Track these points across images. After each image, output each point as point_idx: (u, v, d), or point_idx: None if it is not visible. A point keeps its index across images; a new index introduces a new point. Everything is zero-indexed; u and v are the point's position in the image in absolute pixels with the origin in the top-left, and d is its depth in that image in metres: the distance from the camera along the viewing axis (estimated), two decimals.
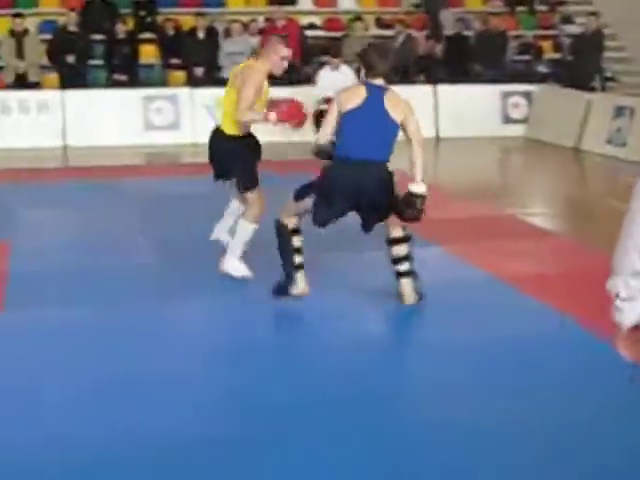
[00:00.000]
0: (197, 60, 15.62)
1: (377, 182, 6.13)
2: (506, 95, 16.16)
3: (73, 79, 15.35)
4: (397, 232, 6.47)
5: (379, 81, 6.20)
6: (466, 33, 17.55)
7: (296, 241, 6.36)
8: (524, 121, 16.09)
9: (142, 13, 17.47)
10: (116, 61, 15.77)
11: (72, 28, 15.68)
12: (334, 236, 7.26)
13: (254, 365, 5.28)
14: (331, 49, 15.17)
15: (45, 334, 5.79)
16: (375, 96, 6.10)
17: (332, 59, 13.85)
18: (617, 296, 2.79)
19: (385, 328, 5.94)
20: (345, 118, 6.06)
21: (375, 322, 6.08)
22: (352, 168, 6.04)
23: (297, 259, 6.36)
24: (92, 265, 7.40)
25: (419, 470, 4.05)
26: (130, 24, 16.79)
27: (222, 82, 14.84)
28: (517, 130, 15.98)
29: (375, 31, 17.90)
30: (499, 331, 5.86)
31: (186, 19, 17.08)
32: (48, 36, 16.09)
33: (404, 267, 6.40)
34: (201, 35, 15.96)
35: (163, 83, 16.10)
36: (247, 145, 6.88)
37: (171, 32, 16.48)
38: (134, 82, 15.65)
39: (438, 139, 15.77)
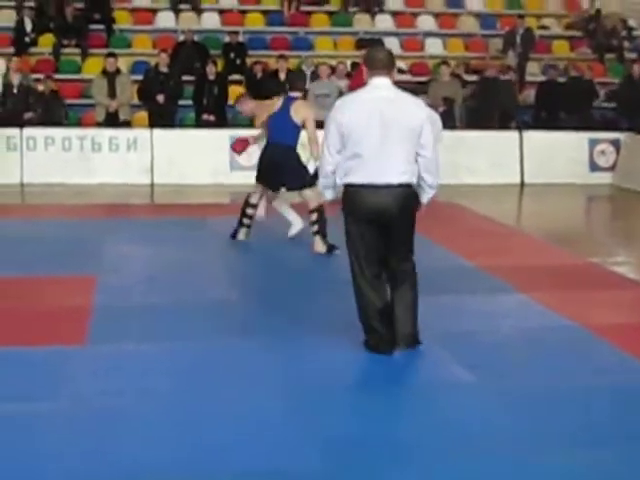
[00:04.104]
0: None
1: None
2: (594, 142, 15.98)
3: (162, 118, 15.64)
4: (313, 204, 9.26)
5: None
6: (555, 80, 17.44)
7: (249, 210, 9.70)
8: (611, 169, 15.89)
9: (232, 55, 17.77)
10: (205, 102, 16.02)
11: (163, 69, 15.99)
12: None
13: (335, 404, 5.25)
14: (419, 91, 15.16)
15: (126, 369, 5.84)
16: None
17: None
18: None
19: (465, 375, 5.85)
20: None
21: (451, 367, 6.00)
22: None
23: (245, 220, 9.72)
24: (175, 301, 7.47)
25: None
26: (220, 66, 17.07)
27: None
28: (604, 178, 15.80)
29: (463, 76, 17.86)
30: (583, 380, 5.75)
31: (274, 61, 17.32)
32: (139, 76, 16.45)
33: (314, 228, 9.31)
34: (283, 77, 16.10)
35: (251, 124, 16.30)
36: None
37: (259, 74, 16.70)
38: (222, 122, 15.87)
39: (523, 185, 15.64)
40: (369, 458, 4.56)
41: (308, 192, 9.35)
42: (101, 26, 18.54)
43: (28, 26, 18.02)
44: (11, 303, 7.41)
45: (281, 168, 9.31)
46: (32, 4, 18.34)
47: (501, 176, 15.46)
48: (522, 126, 16.59)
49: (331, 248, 9.19)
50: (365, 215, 5.90)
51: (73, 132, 15.26)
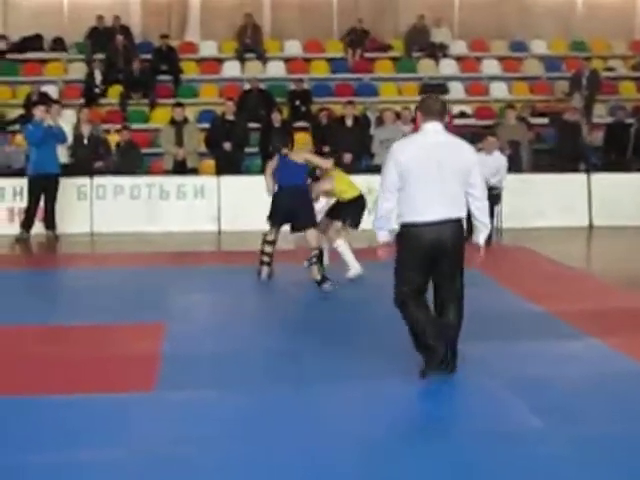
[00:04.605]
0: (345, 147, 15.79)
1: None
2: None
3: (229, 166, 15.81)
4: (314, 244, 9.86)
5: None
6: (623, 121, 17.31)
7: (267, 247, 10.30)
8: None
9: (297, 102, 17.92)
10: (271, 149, 16.11)
11: (229, 117, 16.19)
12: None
13: (400, 450, 5.20)
14: (488, 132, 15.16)
15: (193, 417, 5.84)
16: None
17: (489, 138, 13.84)
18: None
19: (535, 421, 5.76)
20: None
21: (521, 414, 5.91)
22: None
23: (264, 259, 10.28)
24: (242, 349, 7.49)
25: None
26: (285, 113, 17.21)
27: (374, 169, 15.16)
28: None
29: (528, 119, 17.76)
30: None
31: (339, 108, 17.42)
32: (206, 125, 16.67)
33: (314, 260, 9.81)
34: (349, 123, 16.19)
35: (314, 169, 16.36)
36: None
37: (324, 121, 16.80)
38: None
39: (591, 227, 15.46)
40: None
41: (313, 234, 9.97)
42: (168, 77, 18.86)
43: (98, 78, 18.42)
44: (81, 350, 7.50)
45: (293, 208, 10.03)
46: (102, 57, 18.74)
47: (569, 219, 15.31)
48: (590, 168, 16.43)
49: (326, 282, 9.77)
50: (423, 249, 6.29)
51: (142, 180, 15.49)
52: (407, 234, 6.34)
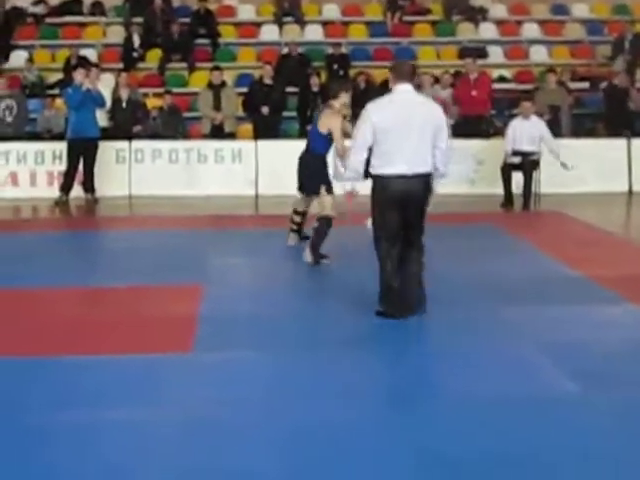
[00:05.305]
0: None
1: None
2: None
3: (267, 130, 15.80)
4: (324, 212, 9.39)
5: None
6: None
7: (295, 217, 10.23)
8: None
9: (335, 67, 17.84)
10: (309, 113, 16.12)
11: (267, 81, 16.16)
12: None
13: (433, 416, 5.22)
14: (525, 97, 15.05)
15: (229, 377, 5.90)
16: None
17: (524, 103, 13.77)
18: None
19: (572, 386, 5.74)
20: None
21: (557, 379, 5.90)
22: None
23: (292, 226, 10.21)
24: (279, 311, 7.53)
25: None
26: (323, 77, 17.15)
27: None
28: None
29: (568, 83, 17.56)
30: None
31: (377, 72, 17.32)
32: (244, 89, 16.65)
33: (310, 235, 9.50)
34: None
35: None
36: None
37: (362, 85, 16.71)
38: None
39: (631, 193, 15.30)
40: (465, 477, 4.47)
41: (327, 200, 9.51)
42: (206, 40, 18.84)
43: (136, 42, 18.44)
44: (118, 311, 7.58)
45: (301, 173, 9.79)
46: (140, 21, 18.75)
47: (608, 185, 15.16)
48: (632, 134, 16.21)
49: (319, 259, 9.34)
50: (396, 200, 6.88)
51: (179, 144, 15.53)
52: (380, 184, 6.95)
